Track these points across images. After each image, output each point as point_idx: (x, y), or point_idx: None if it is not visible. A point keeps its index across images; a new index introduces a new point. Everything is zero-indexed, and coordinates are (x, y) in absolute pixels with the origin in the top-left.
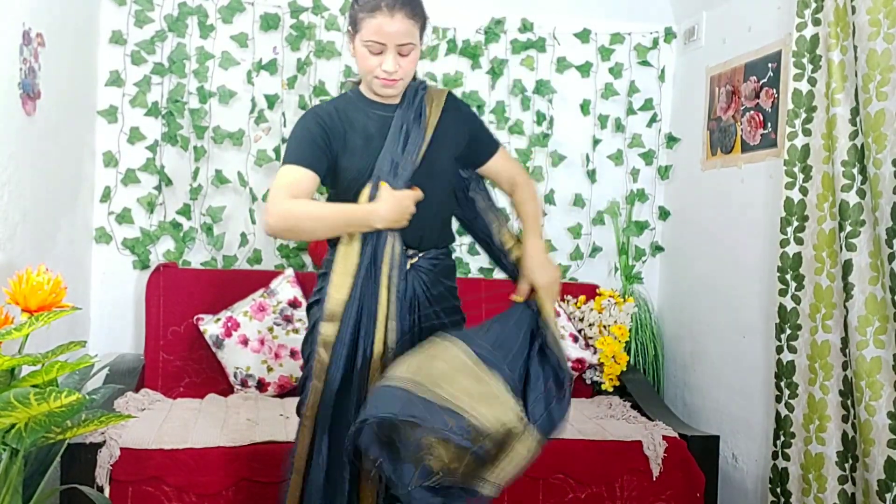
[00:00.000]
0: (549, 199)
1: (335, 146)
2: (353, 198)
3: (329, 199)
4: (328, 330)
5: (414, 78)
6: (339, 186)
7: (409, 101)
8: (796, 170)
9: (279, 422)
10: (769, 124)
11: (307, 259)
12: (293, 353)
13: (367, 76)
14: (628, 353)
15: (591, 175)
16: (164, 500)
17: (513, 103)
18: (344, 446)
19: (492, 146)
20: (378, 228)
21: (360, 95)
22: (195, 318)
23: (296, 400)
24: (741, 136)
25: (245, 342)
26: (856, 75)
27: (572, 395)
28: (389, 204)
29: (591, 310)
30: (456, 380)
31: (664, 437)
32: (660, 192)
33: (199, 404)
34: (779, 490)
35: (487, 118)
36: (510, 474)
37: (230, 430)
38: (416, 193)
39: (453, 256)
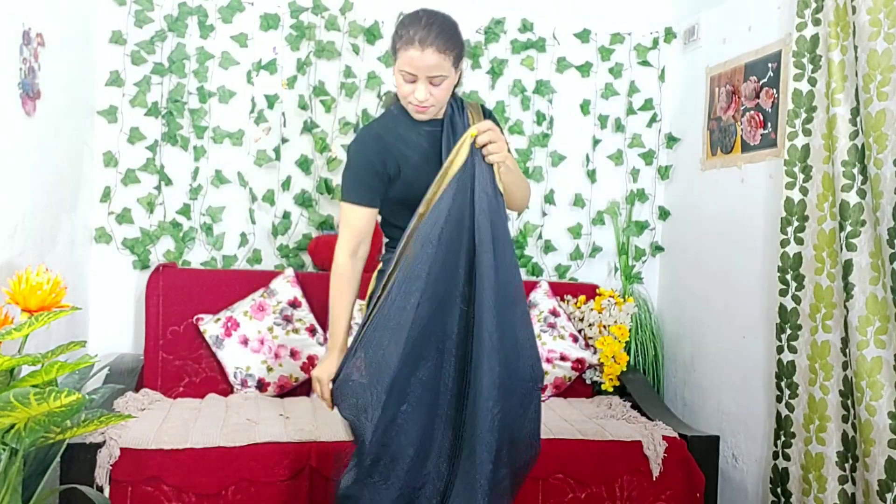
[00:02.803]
0: (550, 198)
1: (391, 168)
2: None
3: (387, 211)
4: None
5: (453, 95)
6: (403, 200)
7: (455, 118)
8: (796, 170)
9: (279, 422)
10: (769, 124)
11: (307, 259)
12: (293, 353)
13: (403, 101)
14: (628, 353)
15: (591, 175)
16: (164, 500)
17: (513, 103)
18: None
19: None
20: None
21: (405, 113)
22: (195, 318)
23: (292, 400)
24: (741, 136)
25: (245, 342)
26: (856, 75)
27: (573, 395)
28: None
29: (591, 310)
30: None
31: (664, 437)
32: (660, 192)
33: (199, 404)
34: (779, 490)
35: None
36: None
37: (230, 430)
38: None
39: None
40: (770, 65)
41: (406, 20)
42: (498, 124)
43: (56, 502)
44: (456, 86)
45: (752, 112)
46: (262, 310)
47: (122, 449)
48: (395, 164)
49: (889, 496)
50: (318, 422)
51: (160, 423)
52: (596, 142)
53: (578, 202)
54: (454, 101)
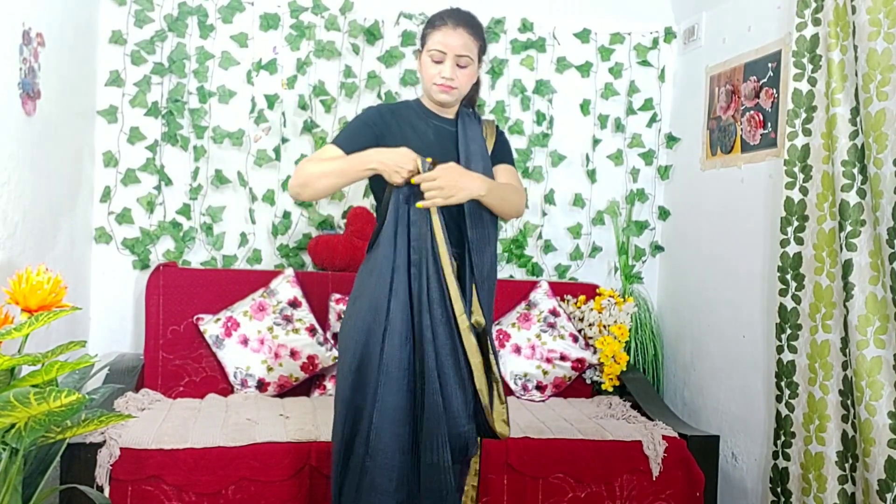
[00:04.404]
0: (550, 198)
1: (389, 142)
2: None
3: (378, 203)
4: None
5: (470, 107)
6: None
7: (469, 124)
8: (796, 170)
9: (279, 421)
10: (769, 124)
11: (307, 259)
12: (293, 353)
13: (427, 83)
14: (628, 352)
15: (591, 175)
16: (164, 499)
17: (513, 103)
18: None
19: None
20: (373, 168)
21: (420, 105)
22: (195, 317)
23: (292, 400)
24: (741, 135)
25: (245, 342)
26: (856, 75)
27: (572, 395)
28: (390, 153)
29: (591, 310)
30: None
31: (664, 437)
32: (660, 192)
33: (199, 404)
34: (779, 490)
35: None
36: None
37: (230, 430)
38: (420, 164)
39: None
40: (770, 64)
41: (438, 12)
42: (508, 149)
43: (56, 502)
44: (475, 93)
45: (751, 112)
46: (262, 310)
47: (122, 448)
48: (394, 140)
49: (889, 496)
50: (318, 422)
51: (160, 423)
52: (596, 142)
53: (578, 202)
54: (472, 112)
